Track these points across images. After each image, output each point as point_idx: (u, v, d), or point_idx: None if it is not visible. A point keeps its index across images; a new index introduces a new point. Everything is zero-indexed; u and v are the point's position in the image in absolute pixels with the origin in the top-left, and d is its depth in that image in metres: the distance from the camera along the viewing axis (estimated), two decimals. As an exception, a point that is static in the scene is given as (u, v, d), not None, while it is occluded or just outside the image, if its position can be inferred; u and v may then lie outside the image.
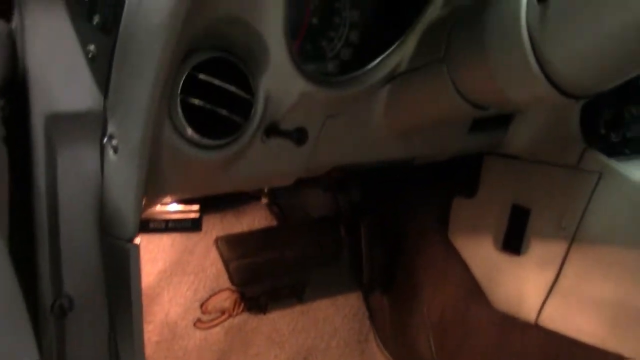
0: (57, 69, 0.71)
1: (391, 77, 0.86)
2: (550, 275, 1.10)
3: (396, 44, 0.83)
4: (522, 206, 1.14)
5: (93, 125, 0.73)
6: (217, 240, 1.18)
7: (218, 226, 1.25)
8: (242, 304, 1.24)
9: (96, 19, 0.69)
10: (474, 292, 1.21)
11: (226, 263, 1.16)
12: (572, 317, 1.07)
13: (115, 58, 0.69)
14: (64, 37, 0.71)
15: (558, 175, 1.09)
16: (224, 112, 0.72)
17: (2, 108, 0.70)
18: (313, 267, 1.27)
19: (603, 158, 1.04)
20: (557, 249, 1.09)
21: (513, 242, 1.16)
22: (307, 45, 0.86)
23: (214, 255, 1.19)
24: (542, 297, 1.12)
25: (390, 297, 1.36)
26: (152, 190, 0.77)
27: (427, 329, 1.30)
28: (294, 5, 0.84)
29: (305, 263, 1.25)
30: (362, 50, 0.90)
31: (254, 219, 1.26)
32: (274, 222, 1.31)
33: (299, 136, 0.78)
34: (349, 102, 0.85)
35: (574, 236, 1.07)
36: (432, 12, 0.83)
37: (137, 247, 0.74)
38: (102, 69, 0.70)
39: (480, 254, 1.22)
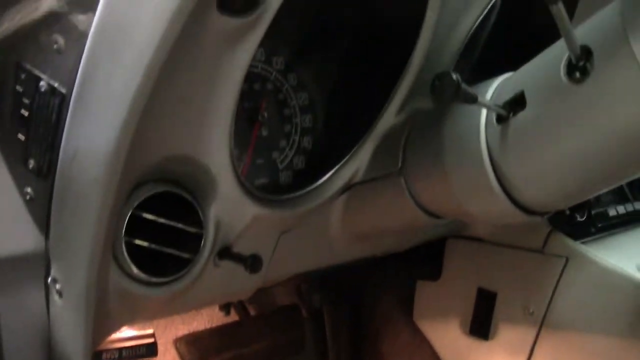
0: None
1: (347, 188, 0.83)
2: (520, 362, 1.08)
3: (350, 153, 0.81)
4: (488, 290, 1.12)
5: (36, 266, 0.69)
6: (176, 341, 1.13)
7: (177, 319, 1.20)
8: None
9: (31, 164, 0.65)
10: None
11: (185, 364, 1.11)
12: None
13: (53, 202, 0.64)
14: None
15: (523, 259, 1.08)
16: (171, 250, 0.68)
17: None
18: (285, 354, 1.23)
19: (569, 242, 1.03)
20: (526, 334, 1.07)
21: (480, 327, 1.13)
22: (257, 160, 0.83)
23: (172, 354, 1.14)
24: (513, 385, 1.09)
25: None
26: (102, 328, 0.72)
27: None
28: (242, 120, 0.81)
29: (269, 356, 1.21)
30: (316, 157, 0.88)
31: (213, 312, 1.22)
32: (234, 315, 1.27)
33: (252, 263, 0.74)
34: (304, 217, 0.81)
35: (542, 322, 1.05)
36: (387, 120, 0.81)
37: None
38: (41, 211, 0.66)
39: (448, 338, 1.19)
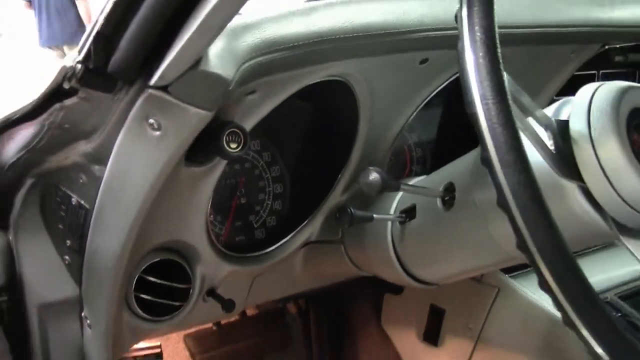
0: (43, 271, 0.94)
1: (304, 245, 1.08)
2: (461, 367, 1.33)
3: (305, 221, 1.05)
4: (438, 306, 1.37)
5: (74, 307, 0.96)
6: (185, 338, 1.42)
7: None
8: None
9: (68, 242, 0.92)
10: (404, 375, 1.44)
11: (193, 356, 1.40)
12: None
13: (84, 268, 0.91)
14: (46, 250, 0.94)
15: (466, 285, 1.31)
16: (166, 301, 0.95)
17: (3, 302, 0.93)
18: (269, 353, 1.51)
19: (500, 275, 1.25)
20: (466, 345, 1.30)
21: (431, 336, 1.37)
22: (237, 222, 1.08)
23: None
24: (454, 384, 1.35)
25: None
26: (119, 347, 1.00)
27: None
28: (225, 193, 1.06)
29: (261, 350, 1.48)
30: (284, 216, 1.12)
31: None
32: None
33: (227, 305, 1.01)
34: (272, 267, 1.07)
35: (478, 337, 1.28)
36: (335, 198, 1.06)
37: None
38: (77, 272, 0.93)
39: (407, 342, 1.44)
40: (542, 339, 1.21)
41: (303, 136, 1.09)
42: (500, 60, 0.57)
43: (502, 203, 0.57)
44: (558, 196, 0.70)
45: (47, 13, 4.86)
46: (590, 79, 1.25)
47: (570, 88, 1.23)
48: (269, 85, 0.82)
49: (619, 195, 0.66)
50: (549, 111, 0.73)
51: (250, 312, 1.52)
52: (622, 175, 0.66)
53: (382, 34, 0.86)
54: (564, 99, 0.73)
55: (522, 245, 0.57)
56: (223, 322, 1.47)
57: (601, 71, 1.25)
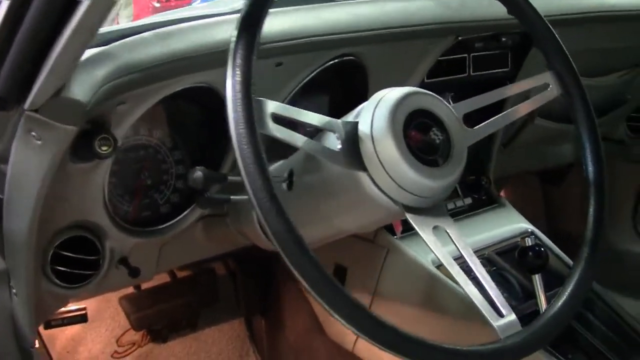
0: None
1: (201, 218, 1.26)
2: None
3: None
4: (341, 265, 1.53)
5: (3, 277, 1.14)
6: (120, 299, 1.61)
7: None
8: (148, 337, 1.68)
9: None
10: (317, 325, 1.63)
11: (128, 316, 1.59)
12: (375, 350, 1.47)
13: (5, 245, 1.09)
14: None
15: (362, 246, 1.46)
16: (79, 271, 1.13)
17: None
18: (202, 306, 1.71)
19: (389, 236, 1.40)
20: (366, 299, 1.46)
21: (337, 292, 1.55)
22: (143, 200, 1.24)
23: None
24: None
25: (266, 321, 1.79)
26: (43, 311, 1.18)
27: (287, 351, 1.72)
28: (132, 176, 1.23)
29: (190, 308, 1.68)
30: (187, 194, 1.29)
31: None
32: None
33: (133, 272, 1.20)
34: (175, 237, 1.25)
35: (374, 293, 1.45)
36: (225, 172, 1.23)
37: (37, 352, 1.16)
38: (1, 247, 1.11)
39: (318, 298, 1.62)
40: (424, 293, 1.37)
41: (198, 125, 1.26)
42: (250, 94, 0.74)
43: (251, 203, 0.74)
44: (356, 185, 0.87)
45: None
46: (462, 62, 1.41)
47: (449, 72, 1.40)
48: (136, 97, 1.00)
49: (394, 181, 0.83)
50: (352, 114, 0.90)
51: (181, 274, 1.71)
52: (395, 165, 0.83)
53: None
54: (364, 103, 0.89)
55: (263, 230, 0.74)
56: (156, 284, 1.66)
57: (472, 54, 1.40)
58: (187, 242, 1.30)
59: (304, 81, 1.19)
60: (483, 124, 0.96)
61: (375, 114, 0.85)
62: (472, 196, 1.58)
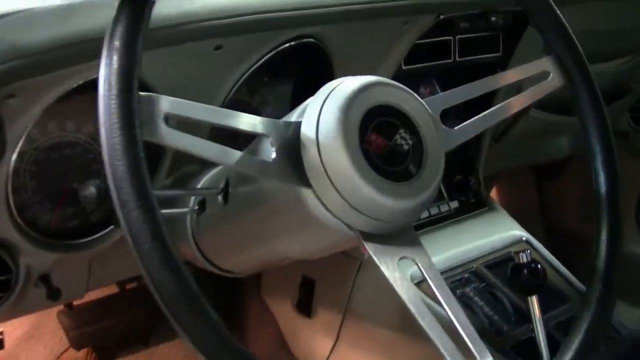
0: None
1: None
2: (332, 338, 1.33)
3: None
4: (309, 277, 1.36)
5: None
6: (58, 314, 1.42)
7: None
8: (94, 354, 1.49)
9: None
10: (283, 343, 1.45)
11: (67, 332, 1.39)
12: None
13: None
14: None
15: (332, 257, 1.30)
16: None
17: None
18: (155, 319, 1.52)
19: None
20: (336, 316, 1.31)
21: (304, 307, 1.38)
22: (69, 208, 1.05)
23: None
24: (327, 355, 1.35)
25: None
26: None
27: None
28: (55, 179, 1.04)
29: (146, 318, 1.49)
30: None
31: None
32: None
33: (52, 294, 1.00)
34: (107, 252, 1.05)
35: (346, 308, 1.29)
36: (159, 181, 1.03)
37: None
38: None
39: (284, 314, 1.44)
40: (402, 312, 1.20)
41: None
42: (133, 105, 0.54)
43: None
44: (298, 204, 0.68)
45: None
46: (447, 45, 1.21)
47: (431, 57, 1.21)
48: (28, 89, 0.80)
49: (346, 201, 0.64)
50: (296, 112, 0.70)
51: (131, 284, 1.52)
52: (347, 180, 0.63)
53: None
54: (311, 98, 0.70)
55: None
56: (101, 296, 1.47)
57: (458, 37, 1.21)
58: (122, 255, 1.09)
59: (252, 69, 0.99)
60: (467, 122, 0.77)
61: (322, 111, 0.65)
62: (459, 199, 1.40)
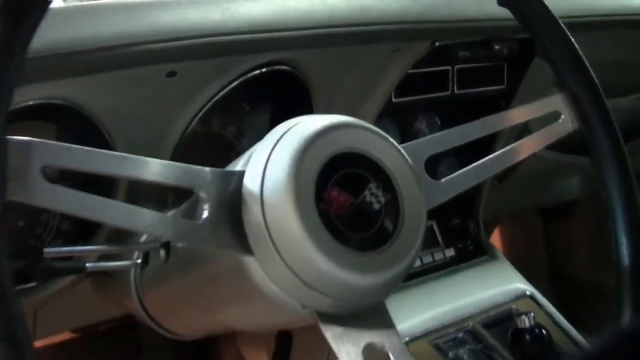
0: None
1: (89, 274, 0.94)
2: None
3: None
4: (286, 332, 1.22)
5: None
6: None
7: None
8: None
9: None
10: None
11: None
12: None
13: None
14: None
15: None
16: None
17: None
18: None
19: None
20: None
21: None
22: (12, 249, 0.92)
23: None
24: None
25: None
26: None
27: None
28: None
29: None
30: (73, 239, 0.96)
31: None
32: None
33: None
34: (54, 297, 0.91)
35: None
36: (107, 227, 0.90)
37: None
38: None
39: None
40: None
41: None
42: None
43: None
44: (240, 272, 0.54)
45: None
46: (444, 76, 1.08)
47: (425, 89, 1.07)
48: None
49: (296, 275, 0.50)
50: (242, 160, 0.57)
51: (103, 327, 1.38)
52: (297, 250, 0.49)
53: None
54: (259, 143, 0.56)
55: None
56: (68, 337, 1.33)
57: (456, 66, 1.07)
58: (72, 303, 0.97)
59: (217, 97, 0.85)
60: (459, 173, 0.64)
61: (270, 160, 0.52)
62: (456, 245, 1.25)
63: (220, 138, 1.04)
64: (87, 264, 0.77)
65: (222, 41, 0.76)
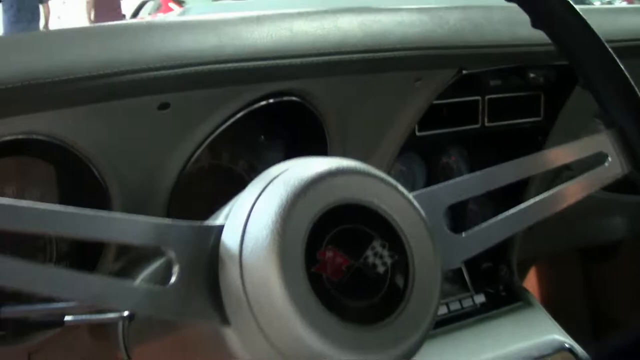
0: None
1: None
2: None
3: None
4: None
5: None
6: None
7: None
8: None
9: None
10: None
11: None
12: None
13: None
14: None
15: None
16: None
17: None
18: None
19: None
20: None
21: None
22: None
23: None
24: None
25: None
26: None
27: None
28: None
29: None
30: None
31: None
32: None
33: None
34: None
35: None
36: (105, 266, 0.83)
37: None
38: None
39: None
40: None
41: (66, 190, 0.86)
42: None
43: None
44: (217, 337, 0.46)
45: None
46: (474, 107, 0.98)
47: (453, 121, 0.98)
48: None
49: (280, 353, 0.41)
50: (223, 211, 0.48)
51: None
52: (281, 324, 0.40)
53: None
54: (241, 193, 0.48)
55: None
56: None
57: (487, 96, 0.98)
58: (70, 346, 0.89)
59: (218, 132, 0.77)
60: (485, 225, 0.54)
61: (252, 214, 0.43)
62: (487, 291, 1.16)
63: (228, 173, 0.97)
64: (66, 318, 0.68)
65: (219, 70, 0.68)
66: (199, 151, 0.80)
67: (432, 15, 0.83)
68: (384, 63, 0.78)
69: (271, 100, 0.79)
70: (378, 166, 0.93)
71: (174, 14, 0.90)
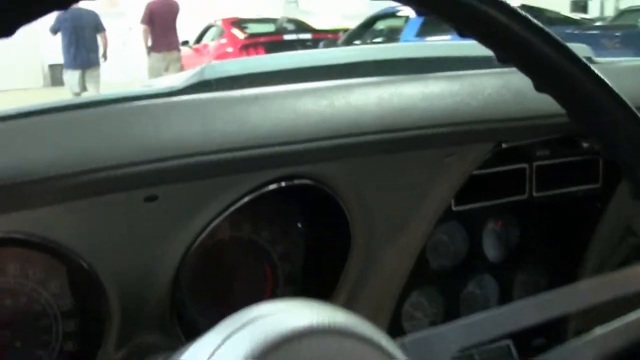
0: None
1: None
2: None
3: None
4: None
5: None
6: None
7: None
8: None
9: None
10: None
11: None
12: None
13: None
14: None
15: None
16: None
17: None
18: None
19: None
20: None
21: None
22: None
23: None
24: None
25: None
26: None
27: None
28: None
29: None
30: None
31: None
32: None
33: None
34: None
35: None
36: (107, 355, 0.77)
37: None
38: None
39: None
40: None
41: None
42: None
43: None
44: None
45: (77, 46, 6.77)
46: (520, 175, 0.87)
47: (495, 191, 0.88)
48: None
49: None
50: None
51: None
52: None
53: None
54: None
55: None
56: None
57: (535, 163, 0.87)
58: None
59: (221, 217, 0.69)
60: None
61: None
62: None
63: (251, 244, 0.89)
64: None
65: (206, 162, 0.60)
66: (201, 238, 0.73)
67: (463, 84, 0.73)
68: (406, 142, 0.69)
69: (283, 184, 0.70)
70: (411, 243, 0.84)
71: (192, 72, 0.84)
